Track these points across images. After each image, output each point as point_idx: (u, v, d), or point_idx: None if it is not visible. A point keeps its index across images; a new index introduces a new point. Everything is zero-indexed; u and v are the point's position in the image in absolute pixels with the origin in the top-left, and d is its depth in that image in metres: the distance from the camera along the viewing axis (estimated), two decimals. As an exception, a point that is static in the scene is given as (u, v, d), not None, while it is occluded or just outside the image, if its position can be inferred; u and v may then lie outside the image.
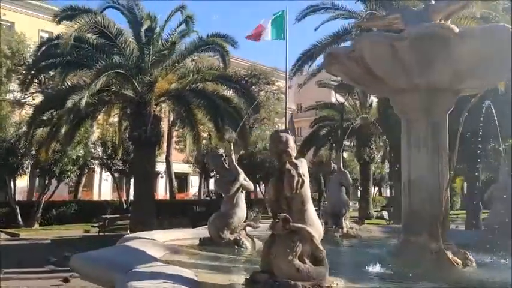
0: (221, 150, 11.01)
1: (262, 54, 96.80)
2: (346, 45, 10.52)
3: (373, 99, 32.80)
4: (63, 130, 15.89)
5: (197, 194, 39.73)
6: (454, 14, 6.65)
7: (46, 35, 33.19)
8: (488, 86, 6.92)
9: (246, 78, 28.94)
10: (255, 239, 7.00)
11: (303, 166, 4.58)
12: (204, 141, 21.10)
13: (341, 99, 32.52)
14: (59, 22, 16.21)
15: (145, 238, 6.71)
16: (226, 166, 7.29)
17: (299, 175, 4.46)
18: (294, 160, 4.52)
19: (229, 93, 19.36)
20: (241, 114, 19.19)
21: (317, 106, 35.01)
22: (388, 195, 45.58)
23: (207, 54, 20.29)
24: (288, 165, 4.48)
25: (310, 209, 4.56)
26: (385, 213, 27.37)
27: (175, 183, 33.33)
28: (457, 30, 5.34)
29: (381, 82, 6.41)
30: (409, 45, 5.64)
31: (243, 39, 26.44)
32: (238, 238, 6.83)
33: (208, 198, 28.33)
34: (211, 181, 35.43)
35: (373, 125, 27.46)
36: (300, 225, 4.37)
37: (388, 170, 32.98)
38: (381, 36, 6.02)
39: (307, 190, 4.57)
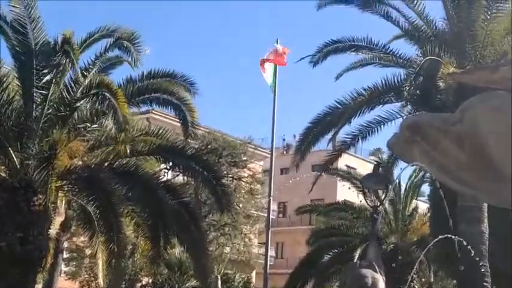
0: None
1: (222, 118, 70.02)
2: (438, 114, 6.21)
3: (419, 204, 21.56)
4: None
5: None
6: None
7: None
8: None
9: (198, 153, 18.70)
10: None
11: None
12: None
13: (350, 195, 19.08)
14: None
15: None
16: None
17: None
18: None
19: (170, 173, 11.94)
20: (195, 214, 11.87)
21: (315, 207, 22.23)
22: None
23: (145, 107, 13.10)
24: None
25: None
26: None
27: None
28: None
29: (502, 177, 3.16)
30: None
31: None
32: None
33: None
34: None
35: (418, 248, 17.74)
36: None
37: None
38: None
39: None
